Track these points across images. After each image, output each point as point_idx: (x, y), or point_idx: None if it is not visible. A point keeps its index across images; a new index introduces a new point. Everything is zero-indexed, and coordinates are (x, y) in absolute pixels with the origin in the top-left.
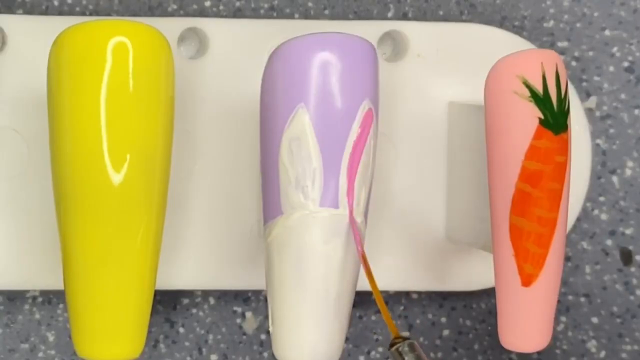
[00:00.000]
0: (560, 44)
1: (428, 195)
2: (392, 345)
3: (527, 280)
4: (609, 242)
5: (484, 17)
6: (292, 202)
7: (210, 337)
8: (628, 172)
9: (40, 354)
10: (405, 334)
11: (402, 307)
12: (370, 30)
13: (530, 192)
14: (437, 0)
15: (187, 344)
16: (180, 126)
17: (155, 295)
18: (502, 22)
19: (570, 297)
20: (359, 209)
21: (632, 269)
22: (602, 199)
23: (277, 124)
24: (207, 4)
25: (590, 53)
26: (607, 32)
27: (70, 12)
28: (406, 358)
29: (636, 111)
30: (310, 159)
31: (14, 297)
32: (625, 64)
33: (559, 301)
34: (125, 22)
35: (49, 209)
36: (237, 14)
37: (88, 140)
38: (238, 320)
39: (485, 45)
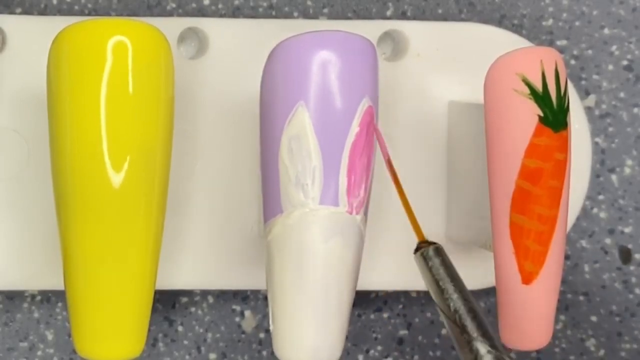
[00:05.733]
0: (559, 43)
1: (428, 194)
2: (417, 249)
3: (527, 278)
4: (608, 240)
5: (483, 15)
6: (292, 200)
7: (209, 335)
8: (627, 170)
9: (39, 353)
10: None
11: (401, 306)
12: (370, 29)
13: (530, 190)
14: None
15: (186, 342)
16: (180, 126)
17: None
18: (501, 21)
19: (569, 296)
20: (359, 206)
21: (631, 268)
22: (601, 197)
23: (277, 122)
24: (206, 2)
25: (589, 51)
26: (606, 31)
27: (69, 11)
28: (430, 263)
29: (635, 109)
30: (310, 157)
31: (13, 296)
32: (624, 63)
33: (558, 300)
34: (125, 21)
35: (49, 209)
36: (236, 12)
37: (88, 140)
38: (237, 319)
39: (485, 44)
